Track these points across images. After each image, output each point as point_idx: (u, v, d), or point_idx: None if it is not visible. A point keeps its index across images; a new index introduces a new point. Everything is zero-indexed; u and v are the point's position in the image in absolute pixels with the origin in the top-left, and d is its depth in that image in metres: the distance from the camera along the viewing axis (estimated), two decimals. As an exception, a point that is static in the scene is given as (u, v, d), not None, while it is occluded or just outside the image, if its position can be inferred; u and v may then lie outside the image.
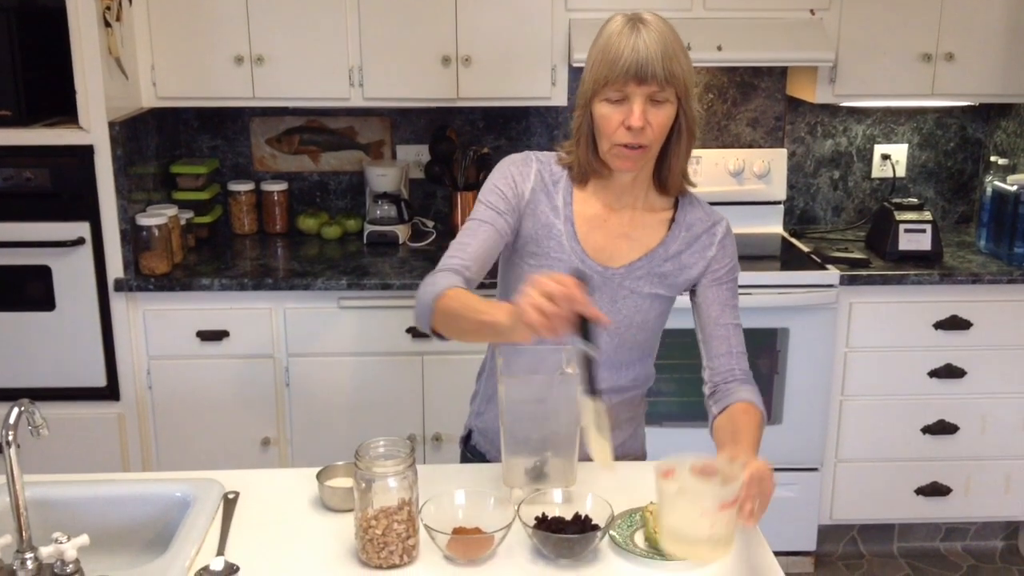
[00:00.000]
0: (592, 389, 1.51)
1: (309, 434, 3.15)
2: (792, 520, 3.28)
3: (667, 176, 1.76)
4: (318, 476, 1.72)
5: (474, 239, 1.72)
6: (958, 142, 3.66)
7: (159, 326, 3.04)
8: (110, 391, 3.07)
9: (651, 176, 1.78)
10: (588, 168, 1.76)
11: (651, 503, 1.64)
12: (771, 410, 3.19)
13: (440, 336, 1.64)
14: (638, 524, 1.63)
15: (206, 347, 3.05)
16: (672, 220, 1.80)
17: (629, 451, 1.97)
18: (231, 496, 1.73)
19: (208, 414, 3.11)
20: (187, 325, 3.03)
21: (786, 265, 3.24)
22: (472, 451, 2.00)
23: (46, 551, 1.43)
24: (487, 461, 1.96)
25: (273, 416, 3.12)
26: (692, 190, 1.83)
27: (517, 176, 1.78)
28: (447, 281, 1.62)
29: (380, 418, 3.13)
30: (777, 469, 3.26)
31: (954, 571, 3.37)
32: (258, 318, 3.04)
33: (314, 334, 3.06)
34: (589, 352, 1.47)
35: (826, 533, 3.38)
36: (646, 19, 1.64)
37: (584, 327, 1.42)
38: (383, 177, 3.37)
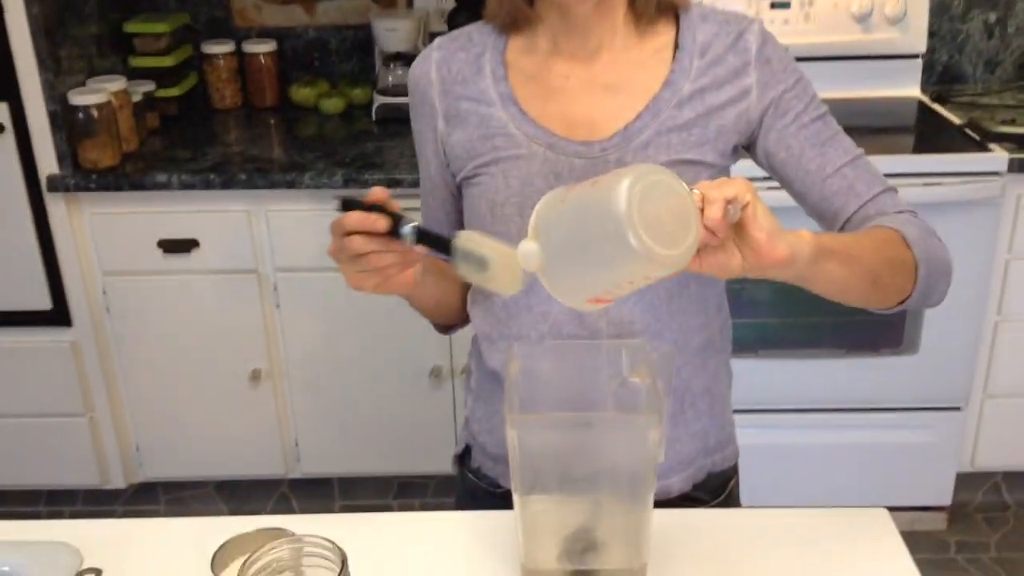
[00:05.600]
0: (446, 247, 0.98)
1: (308, 365, 2.50)
2: (925, 470, 2.57)
3: None
4: (214, 561, 1.05)
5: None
6: None
7: (111, 235, 2.38)
8: (58, 315, 2.44)
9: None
10: (518, 11, 1.16)
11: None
12: (905, 336, 2.44)
13: (453, 327, 1.38)
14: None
15: (171, 260, 2.38)
16: (676, 47, 1.16)
17: (713, 449, 1.28)
18: (88, 576, 1.09)
19: (183, 342, 2.47)
20: (146, 233, 2.36)
21: (931, 144, 2.42)
22: (476, 474, 1.34)
23: None
24: (498, 488, 1.30)
25: (263, 344, 2.47)
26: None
27: (419, 104, 1.23)
28: None
29: (393, 346, 2.46)
30: (911, 410, 2.58)
31: None
32: (234, 224, 2.35)
33: (308, 244, 2.37)
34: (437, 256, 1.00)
35: (963, 481, 2.67)
36: None
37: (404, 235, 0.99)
38: (394, 32, 2.59)
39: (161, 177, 2.29)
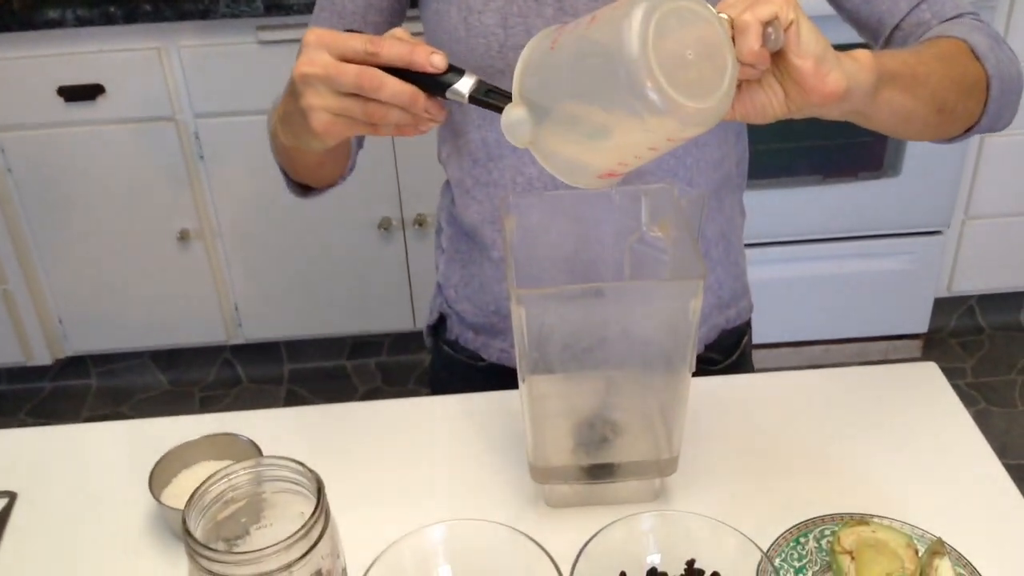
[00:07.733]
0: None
1: (242, 222, 2.27)
2: (902, 297, 2.46)
3: None
4: (153, 478, 0.86)
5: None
6: None
7: (3, 84, 2.07)
8: (-49, 179, 2.17)
9: None
10: None
11: (852, 520, 0.79)
12: (886, 159, 2.27)
13: (312, 190, 1.07)
14: (819, 568, 0.79)
15: (74, 110, 2.09)
16: None
17: (727, 303, 1.12)
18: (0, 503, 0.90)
19: (98, 202, 2.21)
20: (43, 80, 2.06)
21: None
22: (453, 346, 1.15)
23: None
24: (480, 361, 1.11)
25: (189, 201, 2.23)
26: None
27: None
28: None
29: (337, 196, 2.20)
30: (891, 236, 2.44)
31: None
32: (143, 64, 2.06)
33: (229, 84, 2.09)
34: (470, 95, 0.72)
35: (937, 307, 2.57)
36: None
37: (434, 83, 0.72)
38: None
39: (53, 13, 1.97)
